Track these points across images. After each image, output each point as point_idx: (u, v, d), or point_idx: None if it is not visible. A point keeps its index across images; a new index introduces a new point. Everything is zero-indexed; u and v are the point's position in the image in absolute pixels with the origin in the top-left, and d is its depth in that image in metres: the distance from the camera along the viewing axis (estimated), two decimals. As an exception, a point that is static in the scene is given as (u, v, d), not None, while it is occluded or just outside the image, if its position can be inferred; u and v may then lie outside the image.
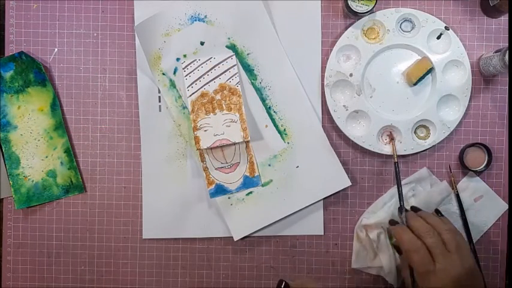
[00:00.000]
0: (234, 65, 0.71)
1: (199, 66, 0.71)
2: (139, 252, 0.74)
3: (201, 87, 0.71)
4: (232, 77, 0.71)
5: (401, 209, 0.68)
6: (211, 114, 0.70)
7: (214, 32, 0.71)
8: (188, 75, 0.71)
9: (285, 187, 0.72)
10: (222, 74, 0.71)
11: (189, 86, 0.71)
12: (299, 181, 0.72)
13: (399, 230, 0.63)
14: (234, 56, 0.71)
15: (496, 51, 0.67)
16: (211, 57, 0.71)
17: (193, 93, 0.71)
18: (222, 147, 0.71)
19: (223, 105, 0.70)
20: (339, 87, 0.72)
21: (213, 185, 0.72)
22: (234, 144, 0.71)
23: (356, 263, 0.72)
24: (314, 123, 0.72)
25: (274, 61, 0.71)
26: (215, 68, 0.71)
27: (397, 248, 0.69)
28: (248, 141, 0.71)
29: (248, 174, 0.72)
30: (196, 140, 0.70)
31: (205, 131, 0.70)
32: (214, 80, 0.71)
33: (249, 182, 0.72)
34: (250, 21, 0.71)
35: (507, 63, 0.63)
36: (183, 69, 0.71)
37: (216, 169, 0.72)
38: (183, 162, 0.73)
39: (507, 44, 0.68)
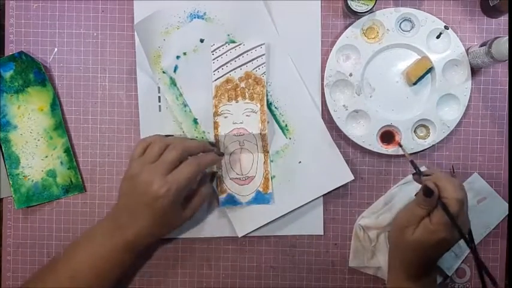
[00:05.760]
0: (263, 55, 0.70)
1: (227, 51, 0.70)
2: (139, 252, 0.74)
3: (227, 72, 0.70)
4: (259, 66, 0.70)
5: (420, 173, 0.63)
6: (233, 101, 0.70)
7: (214, 29, 0.71)
8: (216, 59, 0.70)
9: (287, 183, 0.72)
10: (249, 62, 0.70)
11: (215, 71, 0.70)
12: (302, 176, 0.72)
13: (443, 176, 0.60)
14: (264, 46, 0.70)
15: (481, 45, 0.66)
16: (240, 44, 0.71)
17: (218, 78, 0.70)
18: (240, 157, 0.71)
19: (246, 94, 0.70)
20: (339, 87, 0.72)
21: (225, 194, 0.71)
22: (252, 135, 0.70)
23: (353, 261, 0.72)
24: (315, 118, 0.72)
25: (274, 57, 0.71)
26: (243, 55, 0.70)
27: (426, 190, 0.59)
28: (267, 153, 0.71)
29: (261, 190, 0.72)
30: (216, 125, 0.70)
31: (225, 117, 0.70)
32: (241, 67, 0.70)
33: (261, 198, 0.71)
34: (250, 17, 0.71)
35: (494, 56, 0.63)
36: (212, 52, 0.70)
37: (230, 179, 0.72)
38: (183, 162, 0.73)
39: (492, 36, 0.68)
